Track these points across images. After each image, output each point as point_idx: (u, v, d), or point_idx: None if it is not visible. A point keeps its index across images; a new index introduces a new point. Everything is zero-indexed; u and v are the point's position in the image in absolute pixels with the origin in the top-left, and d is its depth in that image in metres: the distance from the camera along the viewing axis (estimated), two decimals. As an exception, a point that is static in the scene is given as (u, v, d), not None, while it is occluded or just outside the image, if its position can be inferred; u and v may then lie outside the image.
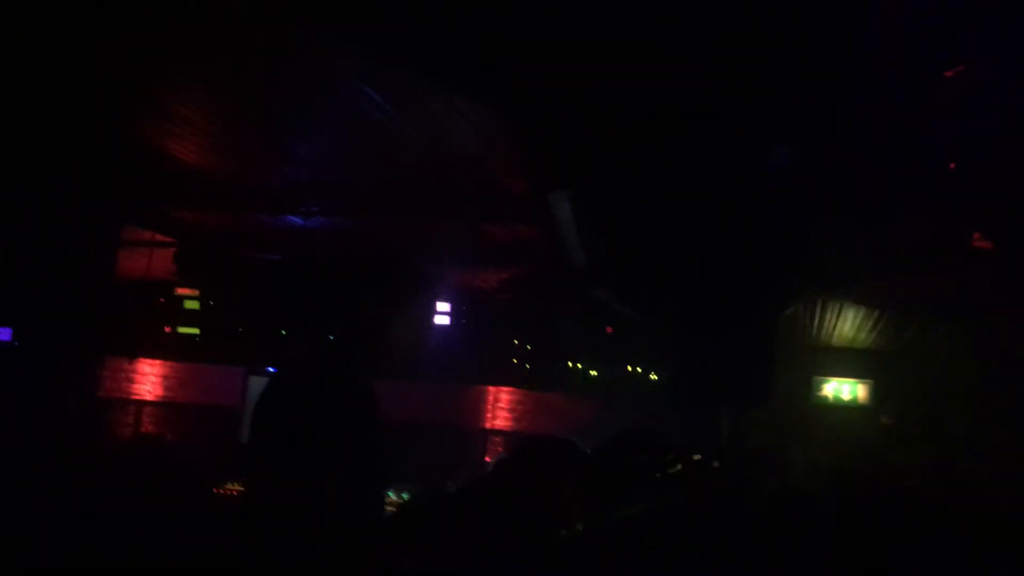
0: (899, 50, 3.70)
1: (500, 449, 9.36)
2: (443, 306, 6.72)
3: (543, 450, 2.09)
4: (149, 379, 9.49)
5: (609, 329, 7.50)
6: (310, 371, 2.22)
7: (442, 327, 6.65)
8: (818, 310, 8.17)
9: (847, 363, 10.06)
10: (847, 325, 8.84)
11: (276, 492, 2.00)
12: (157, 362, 9.38)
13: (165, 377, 9.55)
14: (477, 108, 3.66)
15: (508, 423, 9.90)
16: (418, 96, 4.40)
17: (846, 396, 10.14)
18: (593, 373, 7.69)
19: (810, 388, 10.10)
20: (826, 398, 10.14)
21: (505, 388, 9.79)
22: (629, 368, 7.62)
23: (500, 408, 10.02)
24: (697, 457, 3.83)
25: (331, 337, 2.36)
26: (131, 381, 9.41)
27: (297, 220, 6.87)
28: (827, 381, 10.16)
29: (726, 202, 3.40)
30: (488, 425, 9.90)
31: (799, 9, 2.80)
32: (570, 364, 7.75)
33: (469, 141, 4.91)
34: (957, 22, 3.63)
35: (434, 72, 2.52)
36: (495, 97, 2.52)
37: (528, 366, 7.97)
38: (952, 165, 4.99)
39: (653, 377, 7.58)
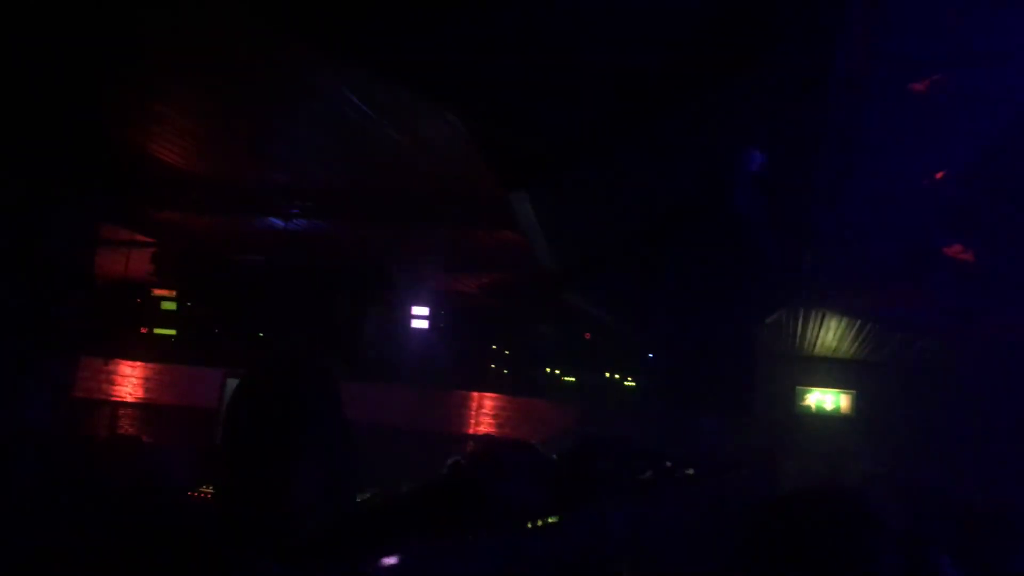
0: (877, 58, 3.71)
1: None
2: (422, 311, 6.69)
3: (497, 452, 2.08)
4: (129, 380, 9.43)
5: (587, 335, 7.49)
6: (281, 370, 2.21)
7: (421, 331, 6.62)
8: (800, 319, 8.18)
9: (830, 373, 10.07)
10: (830, 335, 8.84)
11: (248, 489, 2.00)
12: (138, 364, 9.33)
13: (145, 379, 9.49)
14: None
15: (492, 429, 9.87)
16: (398, 99, 4.39)
17: (829, 406, 10.14)
18: (570, 379, 7.67)
19: (793, 398, 10.11)
20: (809, 408, 10.15)
21: (489, 394, 9.78)
22: (607, 375, 7.60)
23: (484, 414, 10.00)
24: (669, 464, 3.83)
25: (304, 337, 2.37)
26: (110, 382, 9.35)
27: (278, 222, 6.84)
28: (810, 391, 10.17)
29: (697, 209, 3.39)
30: (471, 431, 9.88)
31: (775, 10, 2.80)
32: (548, 370, 7.74)
33: (448, 144, 4.90)
34: (934, 31, 3.65)
35: (382, 68, 2.51)
36: (448, 95, 2.51)
37: (506, 371, 7.96)
38: (938, 175, 5.00)
39: (631, 384, 7.57)
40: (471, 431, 9.88)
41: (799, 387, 10.12)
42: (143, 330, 7.36)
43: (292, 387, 2.08)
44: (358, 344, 2.23)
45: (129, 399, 9.50)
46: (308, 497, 1.94)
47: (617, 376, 7.65)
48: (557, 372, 7.79)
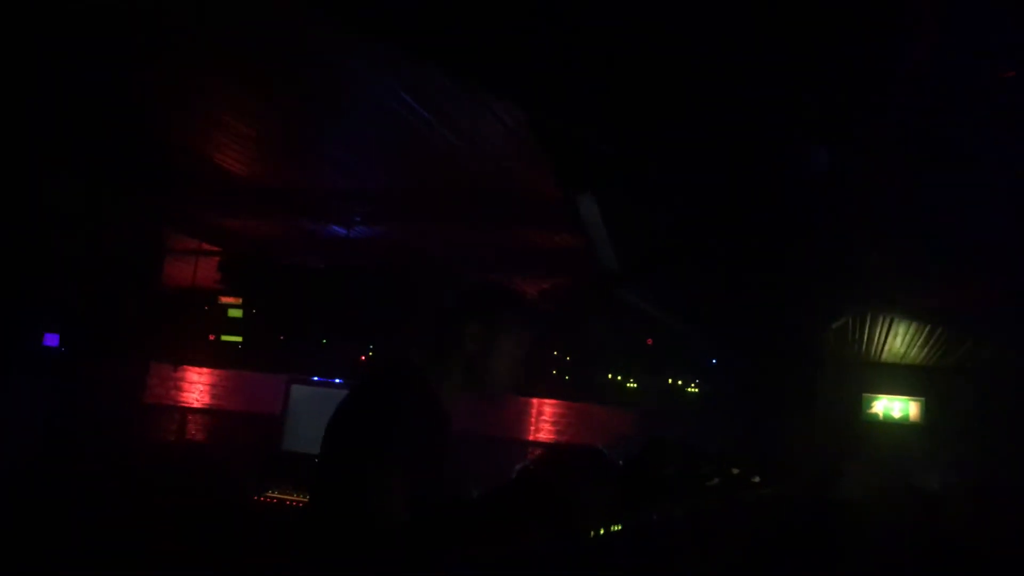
0: (950, 52, 3.59)
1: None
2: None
3: (566, 457, 2.06)
4: (196, 387, 9.63)
5: (649, 340, 7.41)
6: (395, 387, 2.20)
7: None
8: (867, 324, 7.98)
9: (898, 380, 9.79)
10: (897, 340, 8.60)
11: (345, 502, 2.01)
12: (204, 370, 9.51)
13: (211, 385, 9.67)
14: (512, 112, 3.65)
15: (551, 435, 9.84)
16: (457, 103, 4.41)
17: (897, 414, 9.87)
18: (632, 385, 7.59)
19: (859, 405, 9.86)
20: (876, 415, 9.88)
21: (548, 400, 9.75)
22: (669, 380, 7.50)
23: (544, 420, 9.99)
24: (736, 471, 3.76)
25: (421, 354, 2.36)
26: (179, 388, 9.55)
27: (340, 229, 6.92)
28: (877, 398, 9.91)
29: (765, 210, 3.32)
30: (531, 437, 9.87)
31: (841, 7, 2.73)
32: (609, 376, 7.66)
33: (507, 147, 4.91)
34: (1011, 23, 3.52)
35: (460, 70, 2.50)
36: (520, 96, 2.49)
37: (567, 377, 7.91)
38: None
39: (693, 389, 7.46)
40: (532, 437, 9.85)
41: (866, 394, 9.87)
42: (211, 337, 7.50)
43: (403, 404, 2.06)
44: (480, 367, 2.22)
45: (196, 405, 9.69)
46: (400, 511, 1.93)
47: (680, 382, 7.54)
48: (619, 378, 7.71)
